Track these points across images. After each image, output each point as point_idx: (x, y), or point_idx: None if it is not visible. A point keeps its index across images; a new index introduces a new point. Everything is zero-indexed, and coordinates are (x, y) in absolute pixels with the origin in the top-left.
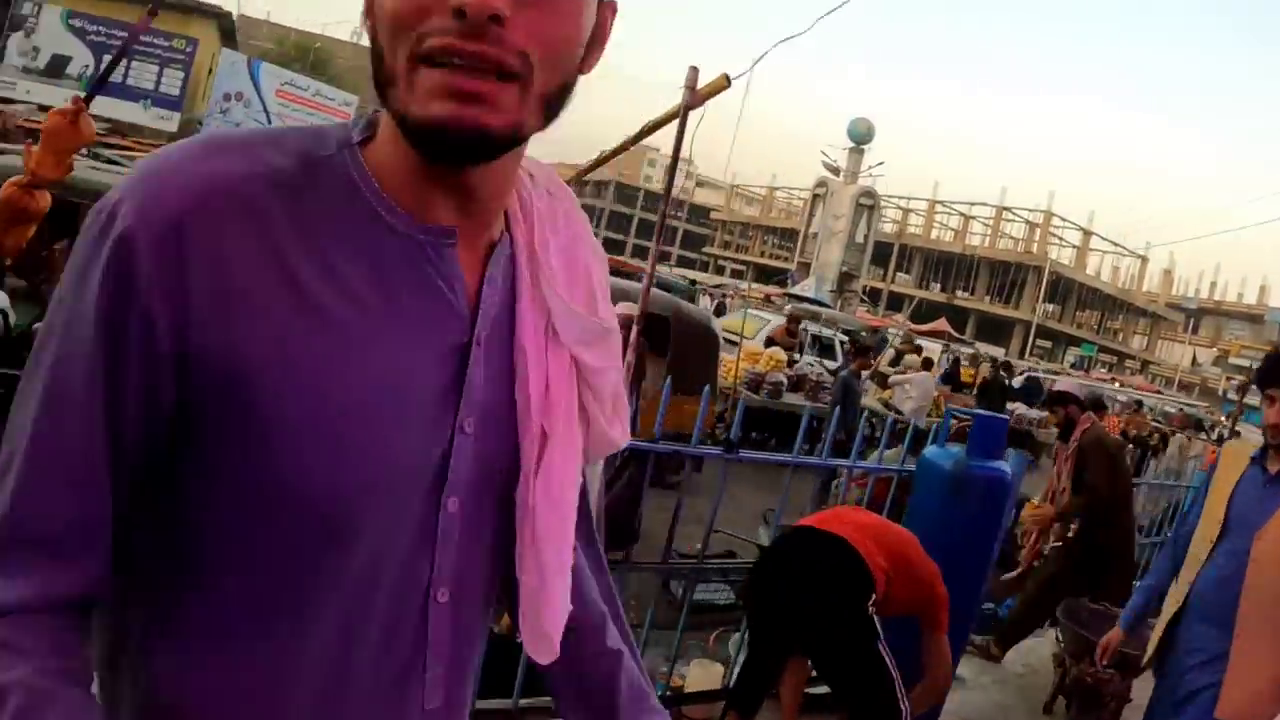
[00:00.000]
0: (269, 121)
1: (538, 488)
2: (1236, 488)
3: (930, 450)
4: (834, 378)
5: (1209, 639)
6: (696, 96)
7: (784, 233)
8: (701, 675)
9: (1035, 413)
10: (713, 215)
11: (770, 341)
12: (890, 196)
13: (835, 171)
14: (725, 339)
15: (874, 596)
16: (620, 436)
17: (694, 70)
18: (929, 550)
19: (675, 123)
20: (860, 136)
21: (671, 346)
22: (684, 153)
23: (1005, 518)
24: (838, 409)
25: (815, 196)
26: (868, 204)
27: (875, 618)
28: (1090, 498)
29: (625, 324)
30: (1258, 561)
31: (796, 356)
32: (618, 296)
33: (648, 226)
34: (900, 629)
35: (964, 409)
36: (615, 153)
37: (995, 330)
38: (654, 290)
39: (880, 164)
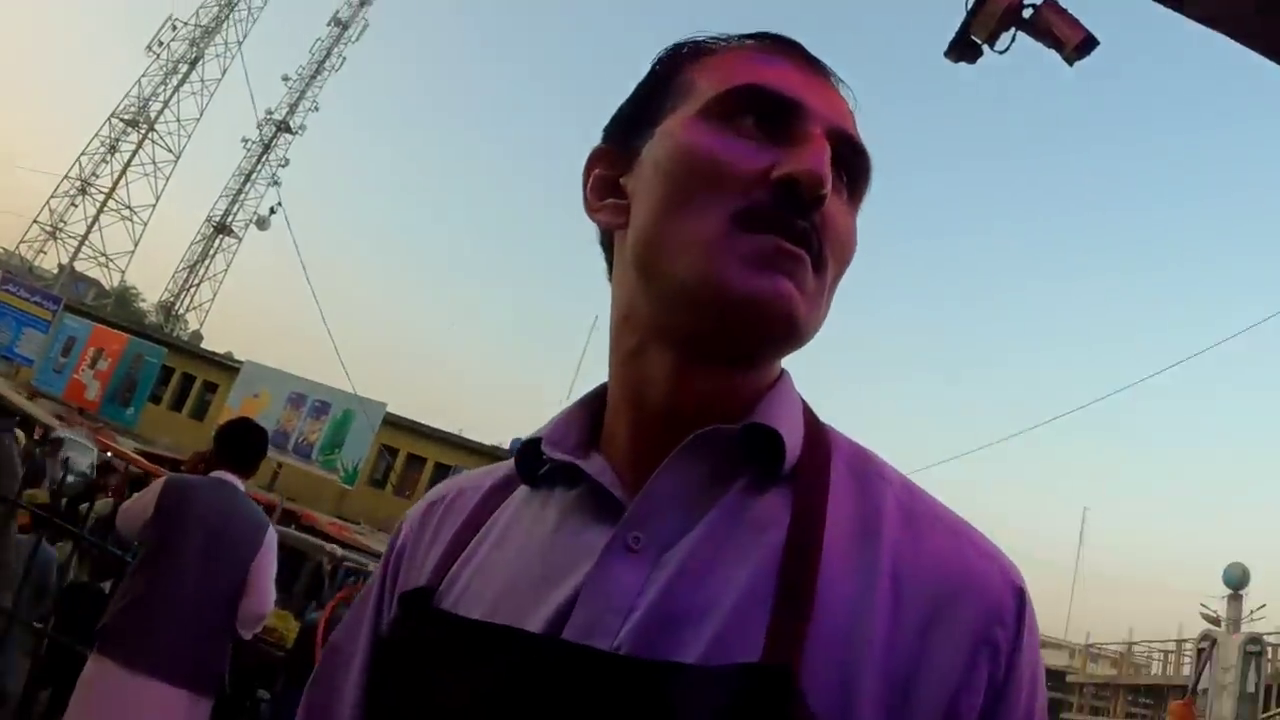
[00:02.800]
0: None
1: None
2: None
3: None
4: None
5: None
6: None
7: (1147, 690)
8: None
9: None
10: (1069, 679)
11: None
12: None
13: (1215, 622)
14: None
15: None
16: None
17: None
18: None
19: None
20: (1237, 582)
21: None
22: None
23: None
24: None
25: (1200, 650)
26: (1254, 650)
27: None
28: None
29: None
30: None
31: None
32: None
33: None
34: None
35: None
36: None
37: None
38: None
39: (1263, 606)
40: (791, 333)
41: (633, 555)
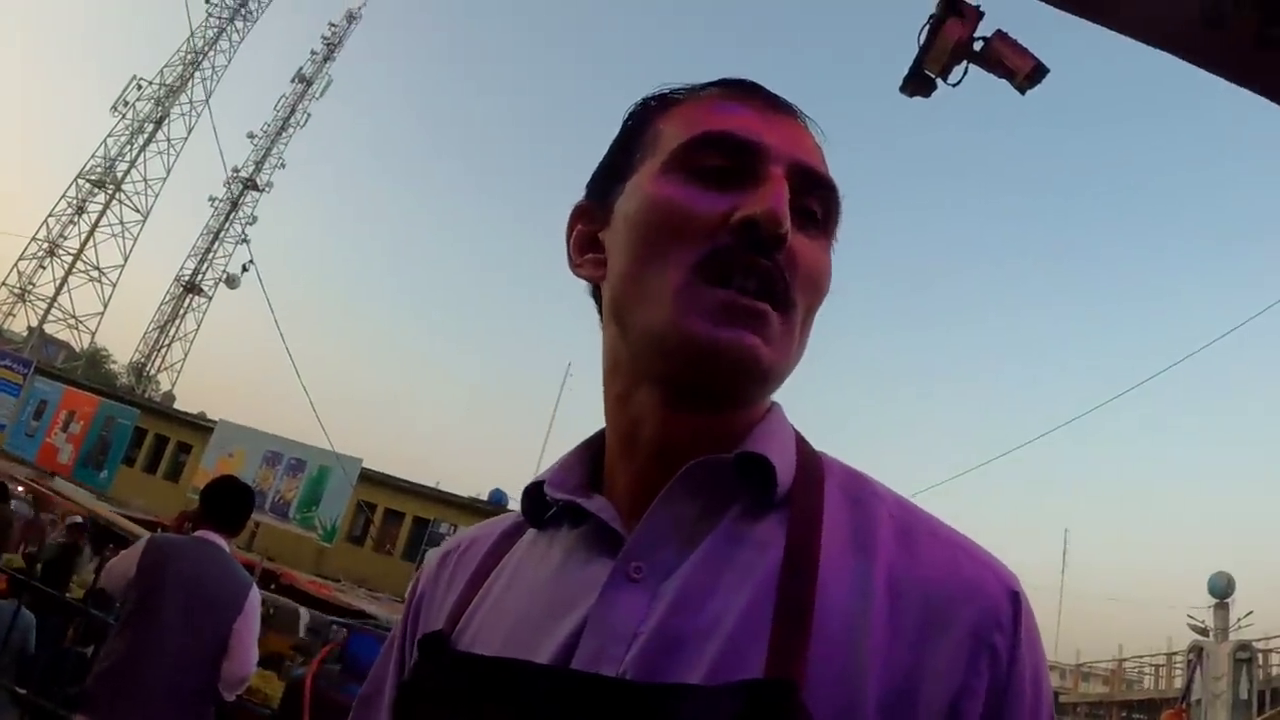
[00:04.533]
0: None
1: None
2: None
3: None
4: None
5: None
6: None
7: (1141, 705)
8: None
9: None
10: (1061, 700)
11: None
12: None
13: (1204, 632)
14: None
15: None
16: None
17: None
18: None
19: None
20: (1222, 591)
21: None
22: None
23: None
24: None
25: (1189, 661)
26: (1244, 657)
27: None
28: None
29: None
30: None
31: None
32: None
33: None
34: None
35: None
36: None
37: None
38: None
39: (1249, 614)
40: (760, 378)
41: (634, 585)
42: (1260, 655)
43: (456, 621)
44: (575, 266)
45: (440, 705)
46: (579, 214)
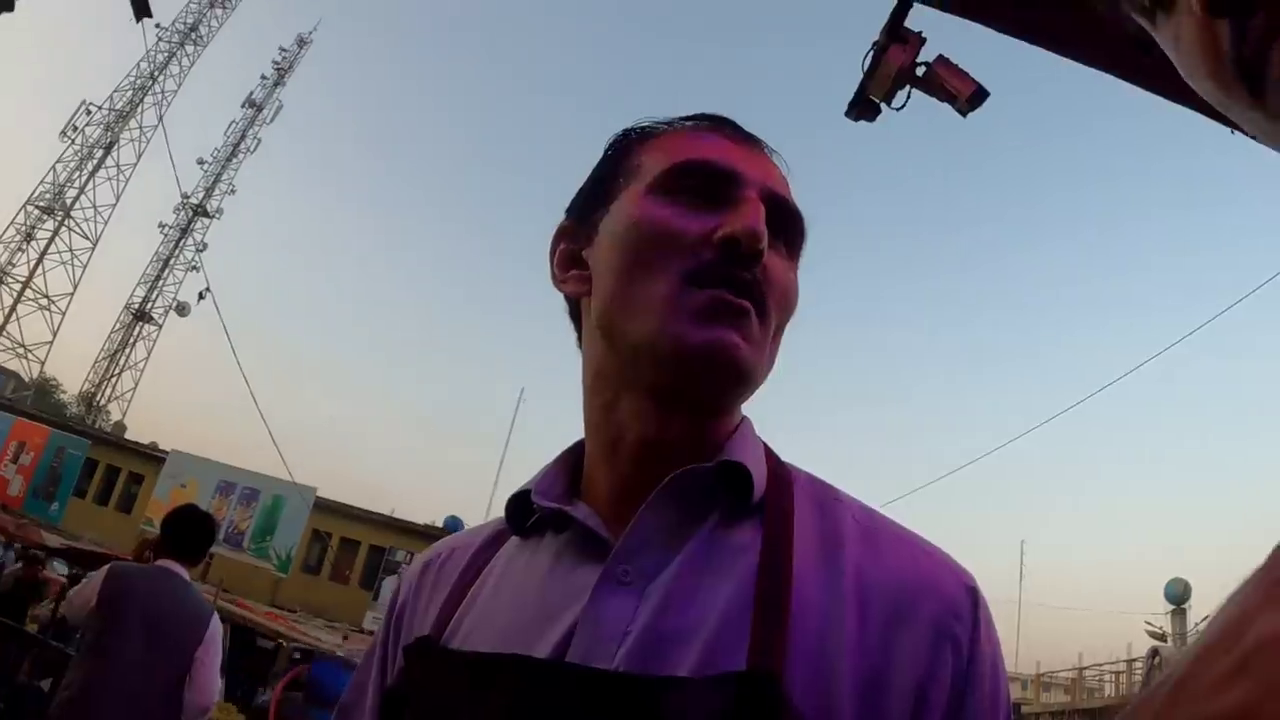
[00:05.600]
0: None
1: None
2: None
3: None
4: None
5: None
6: None
7: (1103, 712)
8: None
9: None
10: (1024, 710)
11: None
12: None
13: (1162, 638)
14: None
15: None
16: None
17: None
18: None
19: None
20: (1178, 597)
21: None
22: None
23: None
24: None
25: (1152, 668)
26: None
27: None
28: None
29: None
30: None
31: None
32: None
33: None
34: None
35: None
36: None
37: None
38: None
39: (1206, 618)
40: (740, 379)
41: (623, 588)
42: None
43: (444, 627)
44: (559, 283)
45: (434, 703)
46: (562, 233)
